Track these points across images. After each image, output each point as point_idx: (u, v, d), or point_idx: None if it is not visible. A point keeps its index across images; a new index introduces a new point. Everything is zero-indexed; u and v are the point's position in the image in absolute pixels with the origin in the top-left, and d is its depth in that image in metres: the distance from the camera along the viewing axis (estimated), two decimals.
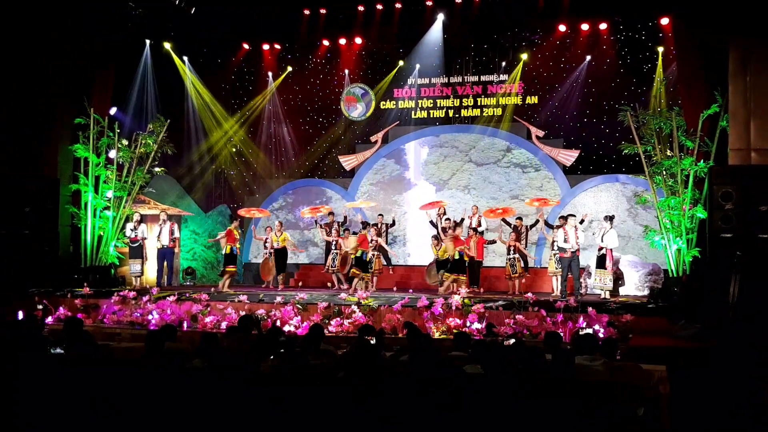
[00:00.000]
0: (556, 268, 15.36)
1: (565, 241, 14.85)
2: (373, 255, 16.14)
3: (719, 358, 9.29)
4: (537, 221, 16.60)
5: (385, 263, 17.22)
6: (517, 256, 15.89)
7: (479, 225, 16.84)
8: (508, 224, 16.88)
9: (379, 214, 17.99)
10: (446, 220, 16.91)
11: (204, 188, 20.87)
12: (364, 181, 20.48)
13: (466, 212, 17.19)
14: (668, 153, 14.36)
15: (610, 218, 15.02)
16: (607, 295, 14.54)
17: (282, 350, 6.94)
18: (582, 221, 15.59)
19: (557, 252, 15.24)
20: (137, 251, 16.53)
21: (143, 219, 16.95)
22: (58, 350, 7.03)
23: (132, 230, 16.44)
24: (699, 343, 10.86)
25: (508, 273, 15.96)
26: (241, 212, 18.83)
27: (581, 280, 15.57)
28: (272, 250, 17.00)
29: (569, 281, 15.13)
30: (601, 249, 14.77)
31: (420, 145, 20.17)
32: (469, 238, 16.28)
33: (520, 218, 16.79)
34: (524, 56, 18.99)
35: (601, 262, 14.80)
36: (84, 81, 16.48)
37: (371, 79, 20.49)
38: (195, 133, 20.51)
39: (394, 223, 18.00)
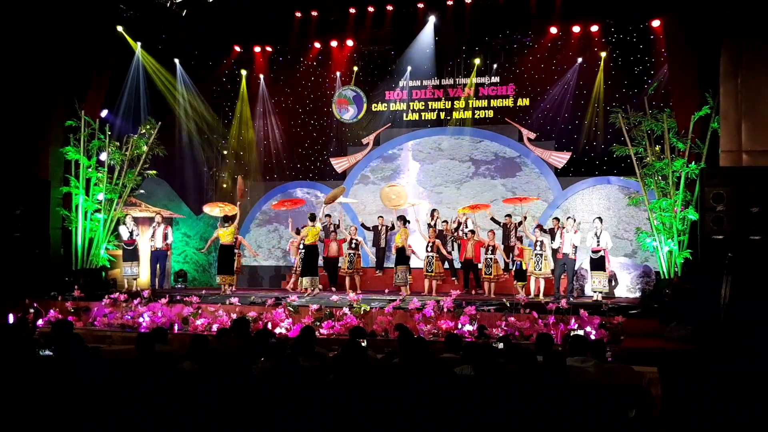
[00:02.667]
0: (536, 269, 15.31)
1: (560, 244, 14.85)
2: (353, 254, 16.24)
3: (711, 360, 9.29)
4: (525, 218, 16.59)
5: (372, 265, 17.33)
6: (494, 257, 15.82)
7: (466, 226, 16.91)
8: (498, 222, 16.91)
9: (380, 216, 18.13)
10: (443, 222, 16.96)
11: (195, 191, 20.82)
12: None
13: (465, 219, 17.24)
14: (660, 155, 14.39)
15: (600, 219, 15.08)
16: (600, 297, 14.54)
17: (273, 352, 6.92)
18: (577, 228, 15.48)
19: (540, 252, 15.23)
20: (132, 254, 16.38)
21: (137, 221, 16.90)
22: (47, 352, 7.00)
23: (128, 233, 16.36)
24: (691, 345, 10.89)
25: (481, 274, 15.96)
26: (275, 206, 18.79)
27: (573, 282, 15.57)
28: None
29: (563, 283, 15.15)
30: (597, 251, 14.74)
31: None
32: (466, 241, 16.35)
33: (509, 215, 16.80)
34: (477, 61, 19.07)
35: (597, 265, 14.77)
36: (75, 83, 16.44)
37: (363, 82, 20.46)
38: (187, 136, 20.46)
39: (393, 227, 17.97)
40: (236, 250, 16.67)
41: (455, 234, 17.10)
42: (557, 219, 15.53)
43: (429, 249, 15.80)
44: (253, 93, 20.97)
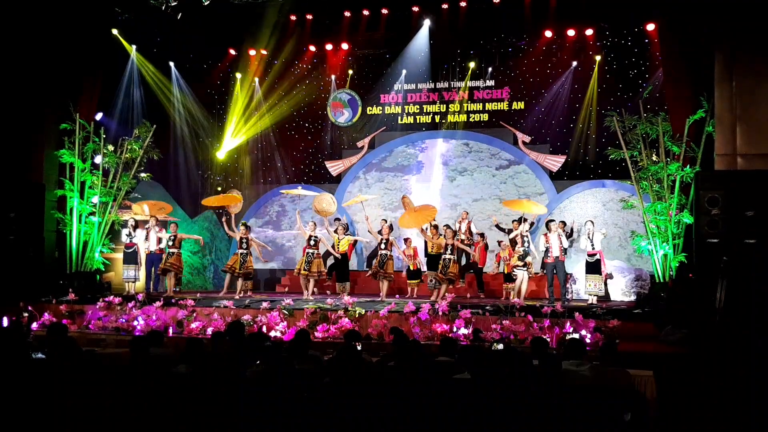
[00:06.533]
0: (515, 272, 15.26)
1: (548, 247, 14.78)
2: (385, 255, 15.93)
3: (706, 363, 9.30)
4: (532, 223, 16.53)
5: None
6: (453, 257, 15.58)
7: (468, 231, 16.83)
8: (502, 230, 16.78)
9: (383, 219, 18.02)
10: (434, 226, 16.94)
11: (190, 194, 20.77)
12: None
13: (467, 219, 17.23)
14: (654, 158, 14.39)
15: (591, 222, 15.09)
16: (595, 301, 14.53)
17: (267, 355, 6.91)
18: (571, 231, 15.48)
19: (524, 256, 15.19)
20: (132, 257, 16.32)
21: (137, 224, 16.84)
22: (39, 355, 6.98)
23: (128, 235, 16.30)
24: (686, 348, 10.88)
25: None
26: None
27: (565, 285, 15.54)
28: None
29: (555, 286, 15.14)
30: (593, 254, 14.73)
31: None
32: (476, 244, 16.39)
33: (516, 220, 16.65)
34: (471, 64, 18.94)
35: (593, 268, 14.75)
36: (70, 86, 16.42)
37: (358, 85, 20.46)
38: (182, 139, 20.43)
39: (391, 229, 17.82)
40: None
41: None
42: (547, 224, 15.27)
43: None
44: (247, 96, 20.93)
